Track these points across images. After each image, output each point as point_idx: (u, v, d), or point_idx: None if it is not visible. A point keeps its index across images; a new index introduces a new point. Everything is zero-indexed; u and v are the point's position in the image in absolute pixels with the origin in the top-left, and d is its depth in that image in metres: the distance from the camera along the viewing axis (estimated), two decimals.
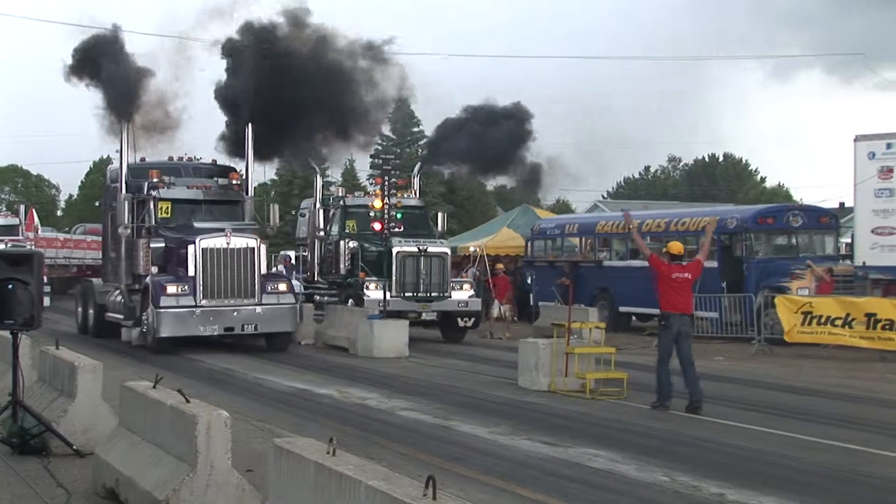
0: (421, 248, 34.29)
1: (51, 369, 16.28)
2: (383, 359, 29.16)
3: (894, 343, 27.56)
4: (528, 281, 43.79)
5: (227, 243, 29.39)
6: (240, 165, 34.82)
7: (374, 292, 33.08)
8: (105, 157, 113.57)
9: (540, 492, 13.20)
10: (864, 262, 32.35)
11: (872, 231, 32.07)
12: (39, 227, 66.12)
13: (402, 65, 40.35)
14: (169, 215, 31.51)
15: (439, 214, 39.06)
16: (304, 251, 39.70)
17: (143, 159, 34.19)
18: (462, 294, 35.36)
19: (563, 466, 14.93)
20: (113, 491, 11.49)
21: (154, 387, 11.59)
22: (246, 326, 29.76)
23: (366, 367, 27.54)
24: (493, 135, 39.50)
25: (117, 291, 32.46)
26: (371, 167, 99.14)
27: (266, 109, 35.73)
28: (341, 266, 35.03)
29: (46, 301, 27.70)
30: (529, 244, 43.75)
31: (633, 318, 38.59)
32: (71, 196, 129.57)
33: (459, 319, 34.90)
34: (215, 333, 29.65)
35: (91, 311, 35.20)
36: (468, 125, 40.13)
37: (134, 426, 11.84)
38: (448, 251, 36.04)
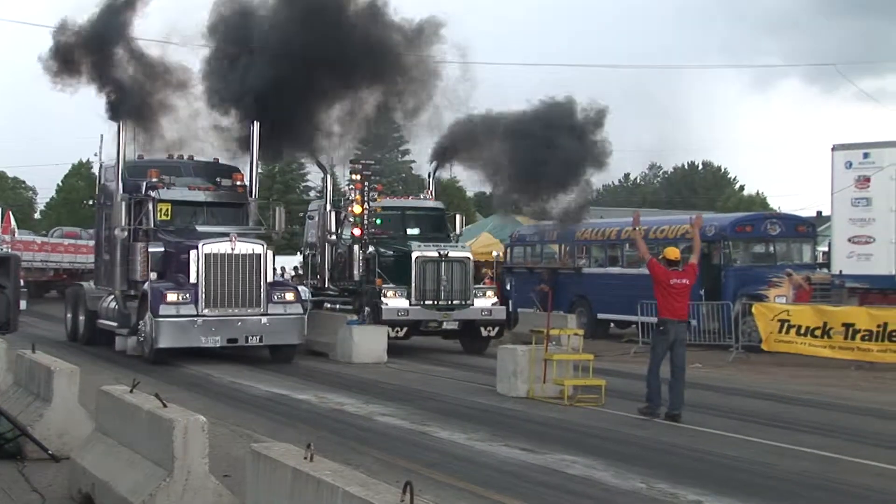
0: (442, 252, 32.31)
1: (27, 373, 16.20)
2: (362, 364, 29.08)
3: (873, 354, 27.72)
4: (507, 287, 43.78)
5: (232, 249, 27.83)
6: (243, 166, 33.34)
7: (392, 300, 31.69)
8: (85, 160, 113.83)
9: (517, 498, 13.20)
10: (840, 271, 32.46)
11: (849, 240, 32.17)
12: (16, 229, 65.71)
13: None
14: (169, 218, 30.08)
15: (457, 217, 36.90)
16: (315, 256, 36.40)
17: (140, 157, 32.88)
18: (485, 301, 33.21)
19: (540, 473, 14.93)
20: (89, 496, 11.45)
21: (131, 391, 11.56)
22: (250, 338, 28.13)
23: (344, 372, 27.48)
24: (557, 146, 36.45)
25: (111, 297, 30.94)
26: (351, 172, 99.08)
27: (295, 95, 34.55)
28: (355, 272, 33.02)
29: (23, 304, 27.55)
30: (509, 250, 43.80)
31: (612, 325, 38.67)
32: (52, 198, 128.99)
33: (483, 329, 32.80)
34: (217, 345, 28.07)
35: (82, 318, 33.48)
36: (506, 128, 37.46)
37: (110, 431, 11.81)
38: (471, 256, 33.74)
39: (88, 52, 34.76)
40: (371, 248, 32.61)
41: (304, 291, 34.50)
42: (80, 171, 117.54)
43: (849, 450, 16.98)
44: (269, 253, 28.80)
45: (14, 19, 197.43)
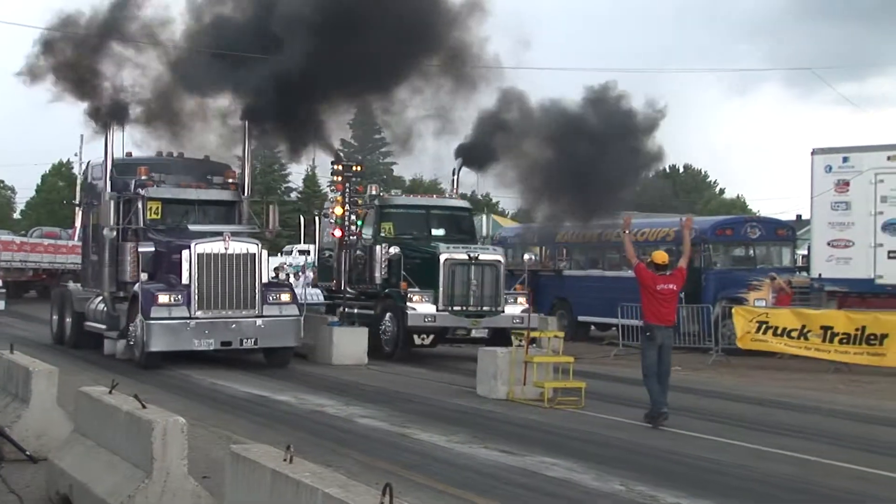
0: (471, 255, 30.17)
1: (5, 374, 16.16)
2: (342, 366, 29.00)
3: (850, 356, 27.91)
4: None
5: (226, 248, 26.96)
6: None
7: (418, 305, 29.68)
8: (66, 160, 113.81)
9: (497, 500, 13.21)
10: (820, 275, 32.53)
11: (828, 244, 32.21)
12: None
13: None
14: (159, 216, 29.28)
15: (483, 217, 35.51)
16: (331, 257, 34.07)
17: (129, 154, 32.12)
18: (516, 308, 30.87)
19: (520, 475, 14.94)
20: (66, 497, 11.42)
21: (110, 392, 11.53)
22: (245, 341, 27.26)
23: (324, 374, 27.42)
24: (610, 152, 34.52)
25: (99, 299, 30.17)
26: (332, 173, 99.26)
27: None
28: (377, 274, 30.79)
29: (1, 305, 27.41)
30: None
31: (592, 327, 38.71)
32: (32, 198, 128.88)
33: (514, 337, 27.54)
34: (211, 348, 27.22)
35: (68, 320, 32.69)
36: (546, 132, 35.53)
37: (89, 432, 11.78)
38: (502, 259, 31.34)
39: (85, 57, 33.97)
40: (396, 249, 30.45)
41: (317, 294, 34.66)
42: (61, 171, 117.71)
43: (828, 453, 17.04)
44: (264, 253, 28.29)
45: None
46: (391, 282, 30.70)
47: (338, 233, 31.54)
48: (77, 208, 61.42)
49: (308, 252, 43.84)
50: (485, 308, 30.21)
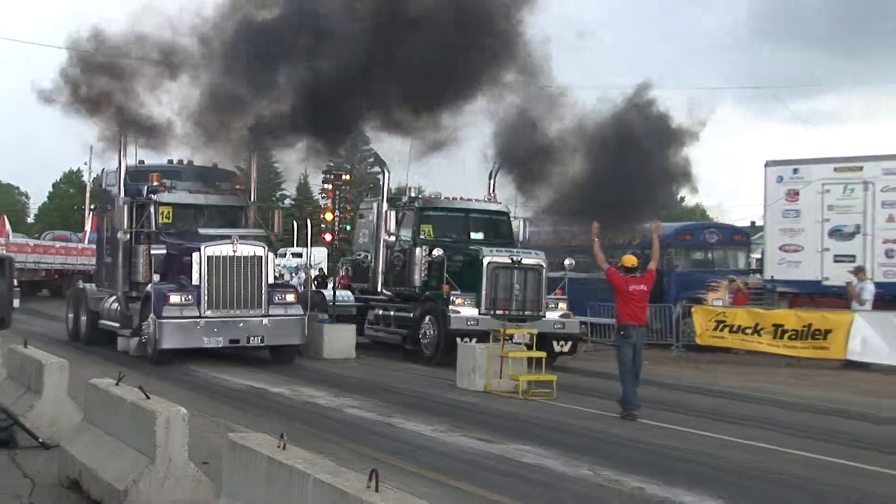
0: (514, 258, 27.93)
1: (19, 367, 16.13)
2: (332, 360, 28.95)
3: (798, 350, 28.44)
4: None
5: (234, 251, 26.68)
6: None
7: (462, 308, 27.49)
8: (76, 168, 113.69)
9: (475, 485, 13.18)
10: (772, 276, 32.66)
11: (780, 248, 32.34)
12: (10, 232, 65.86)
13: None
14: (170, 220, 29.06)
15: (521, 222, 32.40)
16: (366, 258, 32.04)
17: (141, 162, 31.39)
18: (556, 313, 28.75)
19: (496, 461, 14.92)
20: (76, 482, 11.38)
21: (117, 384, 11.50)
22: (252, 339, 26.94)
23: (316, 367, 27.35)
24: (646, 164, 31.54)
25: (113, 298, 29.96)
26: (323, 181, 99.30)
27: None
28: (416, 276, 28.97)
29: (16, 302, 27.23)
30: None
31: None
32: (44, 203, 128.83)
33: (555, 343, 27.65)
34: (220, 345, 26.90)
35: (83, 318, 32.45)
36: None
37: (97, 421, 11.74)
38: (544, 263, 28.87)
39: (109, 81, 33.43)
40: (439, 252, 28.33)
41: (348, 296, 33.05)
42: (71, 179, 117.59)
43: (783, 442, 17.06)
44: (270, 255, 28.00)
45: (13, 38, 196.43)
46: (431, 284, 28.84)
47: (328, 236, 31.24)
48: (88, 213, 61.31)
49: (300, 255, 43.18)
50: (527, 312, 27.87)
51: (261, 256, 27.09)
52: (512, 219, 32.60)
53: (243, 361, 27.71)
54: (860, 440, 17.47)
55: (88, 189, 63.66)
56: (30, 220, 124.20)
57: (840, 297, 29.75)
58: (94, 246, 48.21)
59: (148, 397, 10.46)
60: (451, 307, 27.35)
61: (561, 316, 28.41)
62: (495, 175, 33.02)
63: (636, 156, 30.91)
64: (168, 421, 9.91)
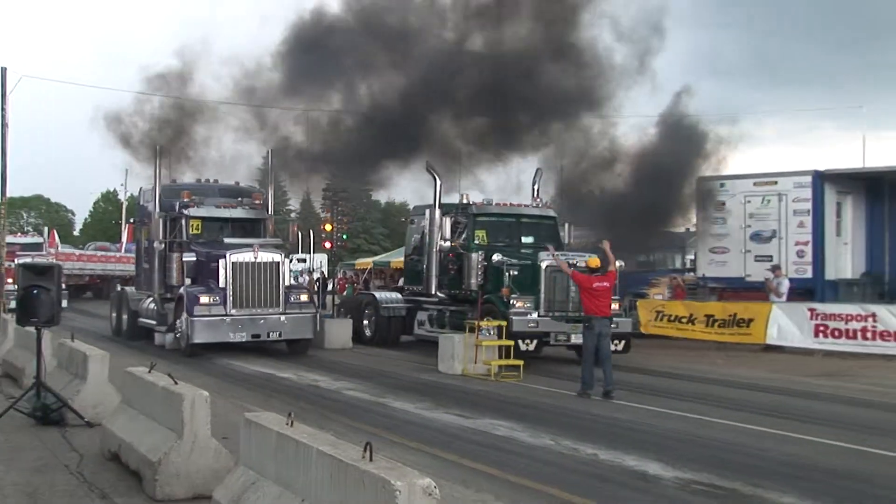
0: (570, 262, 23.89)
1: (68, 357, 16.18)
2: (332, 349, 28.96)
3: (725, 336, 28.69)
4: None
5: (255, 258, 26.67)
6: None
7: (523, 311, 24.73)
8: (112, 189, 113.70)
9: (455, 454, 13.19)
10: (704, 274, 32.88)
11: (710, 250, 32.57)
12: (59, 244, 66.07)
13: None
14: (199, 232, 28.92)
15: (566, 226, 28.93)
16: (418, 262, 28.83)
17: (174, 181, 31.35)
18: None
19: (473, 434, 14.95)
20: (117, 454, 11.39)
21: (149, 371, 11.50)
22: (271, 333, 26.89)
23: (318, 356, 27.29)
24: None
25: (150, 299, 29.98)
26: (323, 198, 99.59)
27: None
28: (472, 280, 26.17)
29: (64, 303, 27.17)
30: None
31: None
32: (86, 220, 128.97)
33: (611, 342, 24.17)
34: (244, 340, 26.81)
35: (125, 317, 32.40)
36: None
37: (134, 403, 11.74)
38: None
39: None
40: (499, 257, 25.46)
41: (397, 297, 30.61)
42: (109, 198, 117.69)
43: (712, 413, 17.17)
44: (286, 261, 27.83)
45: (61, 79, 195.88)
46: (486, 287, 25.90)
47: (328, 244, 30.83)
48: (124, 226, 61.34)
49: (305, 260, 43.08)
50: (582, 314, 23.16)
51: (278, 262, 27.05)
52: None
53: (260, 352, 27.68)
54: (776, 410, 17.54)
55: (125, 206, 63.63)
56: (75, 233, 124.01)
57: (760, 291, 29.98)
58: (129, 254, 48.25)
59: (176, 383, 10.47)
60: (512, 310, 24.66)
61: (613, 316, 23.90)
62: (538, 181, 30.16)
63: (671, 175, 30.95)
64: (193, 402, 9.92)
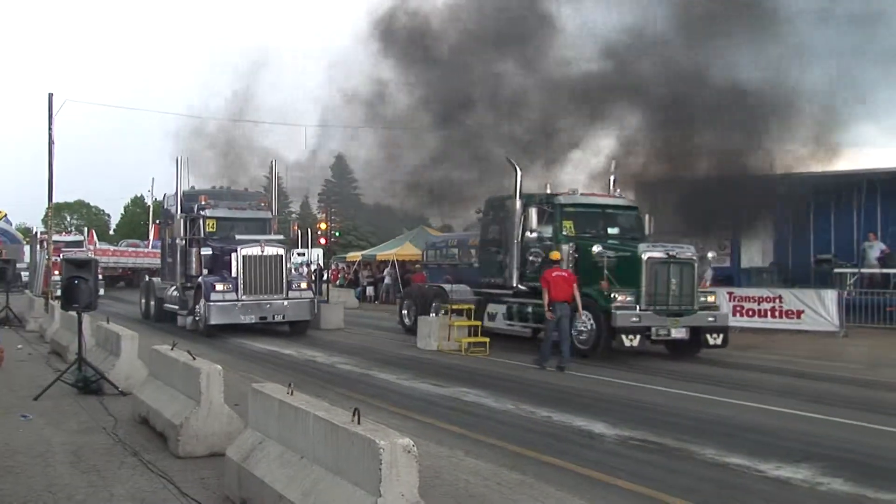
0: (670, 253, 21.47)
1: (104, 337, 16.19)
2: (327, 330, 28.94)
3: None
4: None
5: (262, 251, 26.81)
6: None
7: (625, 304, 20.85)
8: (140, 194, 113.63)
9: (431, 417, 13.21)
10: None
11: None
12: (97, 241, 66.00)
13: None
14: (214, 230, 29.03)
15: (646, 216, 24.74)
16: (496, 254, 25.03)
17: (192, 187, 31.56)
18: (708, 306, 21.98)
19: (446, 400, 14.95)
20: (146, 419, 11.37)
21: (171, 349, 11.48)
22: (276, 316, 26.96)
23: (315, 335, 27.27)
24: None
25: (173, 288, 30.10)
26: (318, 201, 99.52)
27: None
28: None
29: (101, 291, 27.16)
30: (425, 253, 43.57)
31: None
32: (118, 221, 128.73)
33: (709, 336, 21.38)
34: (252, 321, 26.85)
35: (152, 303, 32.73)
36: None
37: (159, 375, 11.72)
38: (696, 257, 21.96)
39: None
40: (599, 248, 21.52)
41: (465, 290, 26.39)
42: (137, 202, 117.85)
43: (645, 380, 17.22)
44: (288, 255, 27.92)
45: (91, 101, 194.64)
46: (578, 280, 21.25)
47: (322, 241, 30.76)
48: (151, 226, 61.46)
49: (304, 254, 43.04)
50: (683, 307, 21.37)
51: (282, 255, 27.17)
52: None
53: (266, 332, 27.63)
54: (705, 378, 17.59)
55: (151, 208, 63.74)
56: (111, 232, 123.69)
57: None
58: (156, 250, 48.33)
59: (194, 358, 10.46)
60: (614, 304, 20.72)
61: (710, 309, 21.81)
62: (614, 172, 26.16)
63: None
64: (209, 375, 9.91)
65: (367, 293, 50.73)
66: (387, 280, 50.14)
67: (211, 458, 9.57)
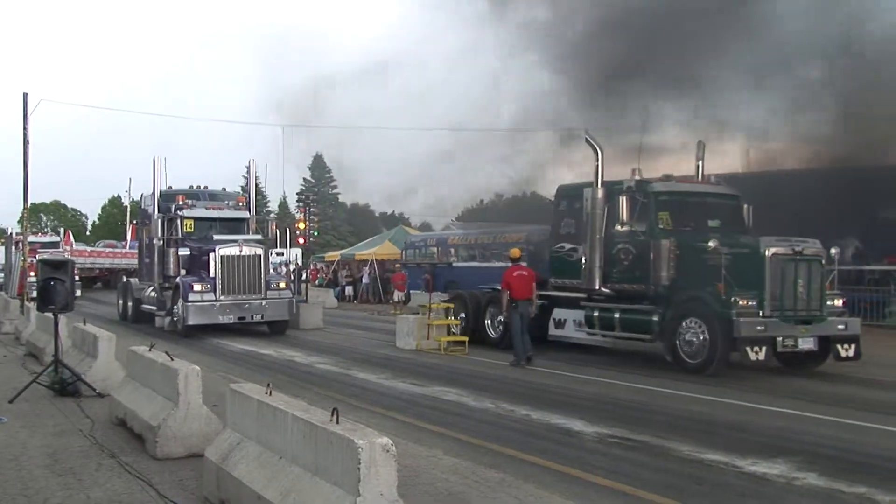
0: (796, 248, 17.63)
1: (81, 338, 16.10)
2: (306, 329, 28.93)
3: None
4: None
5: (240, 251, 26.66)
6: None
7: (748, 311, 17.14)
8: (117, 195, 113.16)
9: (410, 416, 13.23)
10: None
11: None
12: (73, 242, 65.66)
13: None
14: (192, 230, 28.87)
15: (746, 207, 20.65)
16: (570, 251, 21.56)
17: (170, 187, 30.97)
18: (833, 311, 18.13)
19: (425, 400, 14.98)
20: (123, 420, 11.34)
21: (150, 350, 11.47)
22: (254, 316, 26.82)
23: (295, 335, 27.26)
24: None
25: (150, 288, 29.94)
26: (297, 200, 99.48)
27: None
28: (663, 272, 18.79)
29: (77, 293, 27.05)
30: (403, 252, 43.60)
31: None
32: (95, 222, 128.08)
33: (840, 347, 17.76)
34: (231, 321, 26.79)
35: (130, 304, 32.50)
36: None
37: (136, 376, 11.69)
38: (823, 253, 18.13)
39: None
40: (714, 243, 17.65)
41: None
42: (115, 203, 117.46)
43: (620, 377, 17.31)
44: (266, 254, 27.80)
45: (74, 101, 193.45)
46: (678, 282, 18.67)
47: (301, 240, 30.69)
48: (128, 226, 61.29)
49: (282, 254, 42.96)
50: (813, 312, 17.67)
51: (260, 255, 27.07)
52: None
53: (245, 333, 27.57)
54: (681, 375, 17.69)
55: (129, 209, 63.65)
56: (87, 233, 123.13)
57: None
58: (133, 251, 48.13)
59: (172, 359, 10.45)
60: (736, 309, 17.10)
61: (840, 314, 18.27)
62: (702, 156, 21.86)
63: None
64: (187, 376, 9.91)
65: (347, 293, 50.73)
66: (365, 280, 50.15)
67: (189, 459, 9.57)
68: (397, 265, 42.85)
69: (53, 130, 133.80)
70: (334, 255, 57.84)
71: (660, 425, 12.45)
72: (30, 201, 38.36)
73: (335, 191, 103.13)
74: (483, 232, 31.34)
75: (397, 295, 40.43)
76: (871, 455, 10.78)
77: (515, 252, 21.19)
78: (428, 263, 30.51)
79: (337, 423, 6.39)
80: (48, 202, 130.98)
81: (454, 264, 32.39)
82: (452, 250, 28.25)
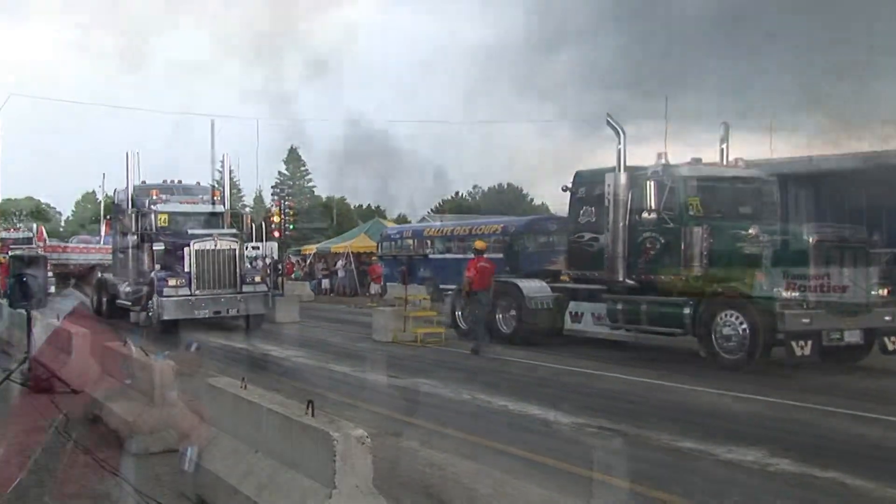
0: (841, 236, 16.74)
1: (54, 335, 15.95)
2: (283, 323, 28.85)
3: None
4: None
5: (215, 246, 26.36)
6: None
7: (794, 302, 16.00)
8: (91, 190, 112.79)
9: (385, 408, 13.22)
10: None
11: None
12: (47, 238, 65.27)
13: None
14: (166, 224, 28.41)
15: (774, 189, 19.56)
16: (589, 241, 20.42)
17: (143, 181, 30.42)
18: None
19: (402, 392, 14.99)
20: (98, 416, 11.30)
21: (124, 344, 11.47)
22: (230, 310, 26.51)
23: (270, 329, 27.13)
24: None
25: (125, 283, 29.40)
26: (272, 194, 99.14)
27: None
28: (695, 262, 17.48)
29: (52, 289, 26.83)
30: (379, 245, 43.64)
31: (448, 292, 38.76)
32: (68, 218, 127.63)
33: (887, 339, 16.64)
34: (207, 316, 26.32)
35: (105, 299, 31.77)
36: None
37: (112, 372, 11.68)
38: (867, 240, 17.20)
39: None
40: (755, 231, 16.83)
41: (541, 286, 21.58)
42: (88, 198, 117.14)
43: (606, 368, 17.35)
44: (241, 248, 27.55)
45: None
46: (712, 272, 17.29)
47: (276, 233, 30.42)
48: (102, 221, 61.00)
49: (258, 248, 42.72)
50: (858, 302, 16.35)
51: (235, 249, 26.83)
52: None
53: (221, 327, 27.45)
54: (657, 362, 17.77)
55: (102, 203, 63.41)
56: (61, 228, 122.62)
57: None
58: (108, 246, 47.74)
59: (147, 354, 10.44)
60: (779, 301, 15.93)
61: (887, 305, 16.76)
62: (727, 139, 20.18)
63: None
64: (162, 371, 9.91)
65: (323, 286, 50.65)
66: (340, 273, 50.05)
67: (165, 454, 9.54)
68: (373, 257, 42.83)
69: (26, 126, 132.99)
70: (310, 247, 57.73)
71: (636, 414, 12.53)
72: (1, 197, 38.03)
73: (311, 184, 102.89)
74: (459, 223, 31.25)
75: (374, 287, 40.38)
76: None
77: (481, 244, 21.55)
78: (404, 255, 30.38)
79: (312, 415, 6.41)
80: (21, 198, 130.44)
81: (430, 256, 32.32)
82: (429, 242, 28.24)
